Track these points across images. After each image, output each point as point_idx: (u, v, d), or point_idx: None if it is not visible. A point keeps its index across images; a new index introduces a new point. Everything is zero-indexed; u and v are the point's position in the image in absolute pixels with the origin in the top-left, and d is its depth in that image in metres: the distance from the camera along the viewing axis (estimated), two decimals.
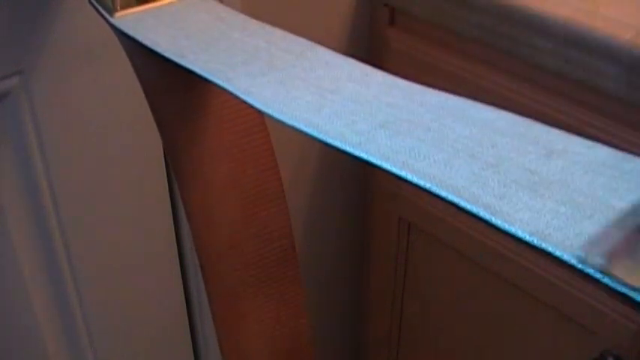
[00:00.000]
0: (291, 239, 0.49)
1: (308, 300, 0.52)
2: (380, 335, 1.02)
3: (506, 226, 0.25)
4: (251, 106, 0.33)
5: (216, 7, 0.43)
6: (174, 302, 0.75)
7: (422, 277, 0.92)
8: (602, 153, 0.27)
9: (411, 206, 0.86)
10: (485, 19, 0.68)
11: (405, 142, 0.29)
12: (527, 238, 0.24)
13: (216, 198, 0.46)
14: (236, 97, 0.34)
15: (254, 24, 0.41)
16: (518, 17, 0.65)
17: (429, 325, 0.94)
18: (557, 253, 0.23)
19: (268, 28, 0.40)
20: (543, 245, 0.24)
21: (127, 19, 0.42)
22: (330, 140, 0.30)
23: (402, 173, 0.27)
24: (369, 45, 0.83)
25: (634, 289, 0.22)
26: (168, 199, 0.69)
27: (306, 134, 0.31)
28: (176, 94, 0.44)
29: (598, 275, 0.23)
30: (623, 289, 0.22)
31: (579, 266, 0.24)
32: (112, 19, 0.42)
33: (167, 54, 0.38)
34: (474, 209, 0.25)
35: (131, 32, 0.41)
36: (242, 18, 0.42)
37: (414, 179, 0.27)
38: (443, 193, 0.26)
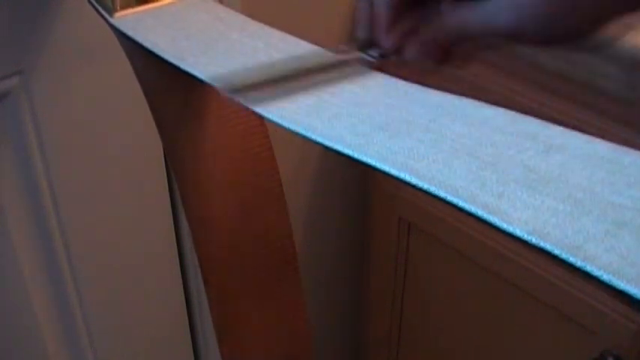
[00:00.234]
0: (291, 240, 0.49)
1: (308, 300, 0.52)
2: (380, 335, 1.02)
3: (504, 226, 0.25)
4: (250, 109, 0.33)
5: (215, 7, 0.43)
6: (175, 302, 0.75)
7: (422, 277, 0.92)
8: (600, 147, 0.28)
9: (411, 206, 0.86)
10: None
11: (404, 143, 0.29)
12: (526, 237, 0.24)
13: (216, 199, 0.46)
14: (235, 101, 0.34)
15: (253, 25, 0.41)
16: None
17: (429, 325, 0.94)
18: (556, 252, 0.23)
19: (267, 29, 0.40)
20: (542, 244, 0.24)
21: (126, 19, 0.42)
22: (329, 143, 0.30)
23: (401, 175, 0.27)
24: None
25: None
26: (169, 199, 0.69)
27: (305, 138, 0.31)
28: (176, 94, 0.44)
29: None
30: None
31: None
32: (111, 20, 0.42)
33: (167, 56, 0.38)
34: (473, 209, 0.25)
35: (131, 33, 0.41)
36: (241, 19, 0.42)
37: (413, 180, 0.27)
38: (442, 194, 0.26)
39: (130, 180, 0.64)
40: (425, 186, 0.27)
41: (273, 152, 0.46)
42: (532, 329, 0.80)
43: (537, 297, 0.77)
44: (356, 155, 0.29)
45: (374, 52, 0.35)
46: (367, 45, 0.36)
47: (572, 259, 0.23)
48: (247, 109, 0.34)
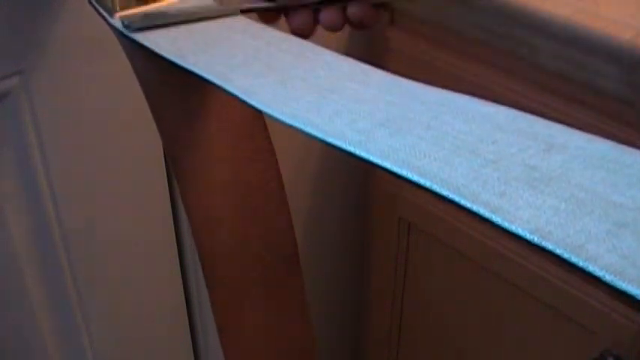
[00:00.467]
0: (293, 240, 0.49)
1: (308, 300, 0.52)
2: (380, 335, 1.02)
3: (506, 225, 0.25)
4: (251, 107, 0.33)
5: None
6: (175, 302, 0.75)
7: (422, 277, 0.92)
8: (602, 147, 0.27)
9: (411, 206, 0.86)
10: (485, 19, 0.68)
11: (405, 141, 0.29)
12: (528, 236, 0.24)
13: (217, 199, 0.46)
14: (236, 98, 0.34)
15: (255, 25, 0.41)
16: (519, 17, 0.65)
17: (429, 325, 0.94)
18: (558, 251, 0.23)
19: (269, 29, 0.40)
20: (544, 244, 0.24)
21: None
22: (330, 139, 0.30)
23: (403, 172, 0.27)
24: (369, 45, 0.83)
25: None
26: (169, 199, 0.69)
27: (306, 134, 0.31)
28: (176, 96, 0.44)
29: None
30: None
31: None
32: (112, 20, 0.42)
33: (167, 55, 0.38)
34: (474, 207, 0.25)
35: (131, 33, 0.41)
36: (243, 20, 0.42)
37: (414, 178, 0.27)
38: (443, 192, 0.26)
39: (130, 180, 0.64)
40: (427, 184, 0.27)
41: (274, 153, 0.46)
42: (532, 329, 0.80)
43: (537, 297, 0.77)
44: (357, 152, 0.29)
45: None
46: None
47: (573, 259, 0.23)
48: (248, 109, 0.34)
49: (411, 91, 0.33)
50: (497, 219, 0.25)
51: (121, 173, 0.63)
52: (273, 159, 0.47)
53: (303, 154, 0.86)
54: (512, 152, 0.28)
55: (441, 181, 0.27)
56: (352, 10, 0.44)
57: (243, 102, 0.34)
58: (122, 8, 0.42)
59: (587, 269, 0.23)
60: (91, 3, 0.44)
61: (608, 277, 0.22)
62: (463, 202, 0.26)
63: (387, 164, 0.28)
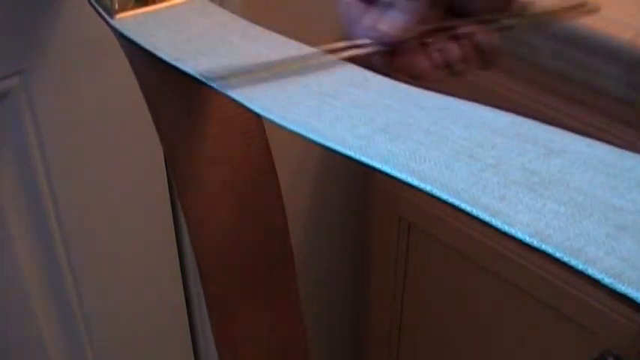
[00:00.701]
0: (289, 243, 0.49)
1: (308, 300, 0.52)
2: (380, 335, 1.02)
3: (506, 228, 0.25)
4: (251, 111, 0.33)
5: (216, 11, 0.43)
6: (175, 302, 0.75)
7: (422, 277, 0.92)
8: (601, 151, 0.27)
9: (411, 206, 0.86)
10: None
11: (405, 146, 0.29)
12: (528, 239, 0.24)
13: (214, 201, 0.46)
14: (236, 102, 0.34)
15: (255, 29, 0.41)
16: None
17: (429, 325, 0.94)
18: (558, 254, 0.23)
19: (269, 34, 0.40)
20: (543, 247, 0.24)
21: (126, 21, 0.42)
22: (330, 144, 0.30)
23: (403, 176, 0.27)
24: None
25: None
26: (169, 199, 0.69)
27: (307, 139, 0.31)
28: (175, 97, 0.44)
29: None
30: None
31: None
32: (112, 21, 0.42)
33: (167, 58, 0.38)
34: (475, 211, 0.25)
35: (131, 35, 0.41)
36: (243, 23, 0.41)
37: (415, 182, 0.27)
38: (443, 196, 0.26)
39: (130, 180, 0.64)
40: (427, 188, 0.27)
41: (271, 156, 0.46)
42: (532, 329, 0.80)
43: (537, 297, 0.77)
44: (358, 157, 0.29)
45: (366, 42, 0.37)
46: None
47: (573, 262, 0.23)
48: (246, 112, 0.34)
49: (411, 96, 0.33)
50: (497, 222, 0.25)
51: (121, 173, 0.63)
52: (271, 163, 0.47)
53: (303, 154, 0.86)
54: (511, 156, 0.28)
55: (441, 186, 0.27)
56: (480, 38, 0.38)
57: (244, 106, 0.34)
58: (122, 10, 0.42)
59: (586, 272, 0.23)
60: (91, 4, 0.44)
61: (607, 280, 0.22)
62: (463, 206, 0.26)
63: (388, 169, 0.28)
